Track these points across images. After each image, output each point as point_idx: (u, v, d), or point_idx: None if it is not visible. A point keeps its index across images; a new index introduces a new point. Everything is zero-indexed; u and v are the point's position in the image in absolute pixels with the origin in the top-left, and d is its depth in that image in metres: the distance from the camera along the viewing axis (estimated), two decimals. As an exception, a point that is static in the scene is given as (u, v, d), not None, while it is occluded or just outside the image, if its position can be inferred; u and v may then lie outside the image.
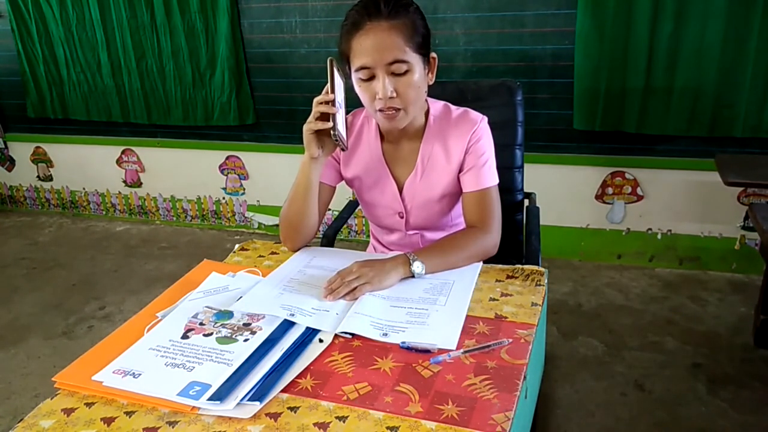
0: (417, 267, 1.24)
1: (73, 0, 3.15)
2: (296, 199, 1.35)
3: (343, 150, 1.31)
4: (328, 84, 1.20)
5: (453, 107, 1.42)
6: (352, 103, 1.34)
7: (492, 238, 1.34)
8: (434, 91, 1.64)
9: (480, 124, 1.37)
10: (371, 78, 1.23)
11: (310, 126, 1.24)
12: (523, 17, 2.57)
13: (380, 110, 1.25)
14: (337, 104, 1.20)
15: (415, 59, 1.23)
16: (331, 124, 1.20)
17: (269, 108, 3.12)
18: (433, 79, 1.33)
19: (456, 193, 1.42)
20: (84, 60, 3.29)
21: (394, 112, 1.25)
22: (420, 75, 1.25)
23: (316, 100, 1.22)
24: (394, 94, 1.23)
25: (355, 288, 1.17)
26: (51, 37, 3.30)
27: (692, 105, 2.45)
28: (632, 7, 2.39)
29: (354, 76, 1.26)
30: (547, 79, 2.62)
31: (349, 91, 1.30)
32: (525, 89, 1.79)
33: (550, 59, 2.59)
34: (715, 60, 2.37)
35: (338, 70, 1.22)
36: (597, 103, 2.56)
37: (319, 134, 1.26)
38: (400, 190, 1.43)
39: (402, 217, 1.45)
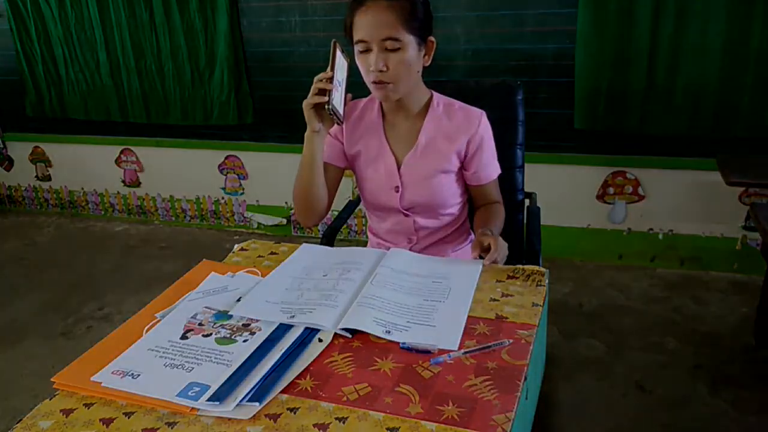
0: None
1: (71, -1, 3.15)
2: (302, 173, 1.43)
3: (338, 124, 1.39)
4: (330, 63, 1.29)
5: (456, 101, 1.52)
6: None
7: (505, 212, 1.57)
8: (434, 91, 1.63)
9: (482, 118, 1.48)
10: (367, 51, 1.34)
11: (308, 101, 1.32)
12: (523, 16, 2.57)
13: (372, 82, 1.36)
14: (335, 82, 1.30)
15: (409, 39, 1.33)
16: (327, 98, 1.29)
17: (269, 107, 3.11)
18: (429, 62, 1.41)
19: (453, 173, 1.50)
20: (83, 59, 3.28)
21: (383, 84, 1.35)
22: (413, 54, 1.35)
23: (316, 77, 1.31)
24: (385, 68, 1.33)
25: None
26: (50, 36, 3.29)
27: (694, 104, 2.45)
28: (633, 6, 2.38)
29: (354, 48, 1.37)
30: (548, 78, 2.62)
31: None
32: (525, 88, 1.79)
33: (551, 58, 2.58)
34: (717, 59, 2.36)
35: (342, 51, 1.33)
36: (598, 103, 2.55)
37: (319, 109, 1.33)
38: (399, 167, 1.49)
39: (398, 191, 1.50)
